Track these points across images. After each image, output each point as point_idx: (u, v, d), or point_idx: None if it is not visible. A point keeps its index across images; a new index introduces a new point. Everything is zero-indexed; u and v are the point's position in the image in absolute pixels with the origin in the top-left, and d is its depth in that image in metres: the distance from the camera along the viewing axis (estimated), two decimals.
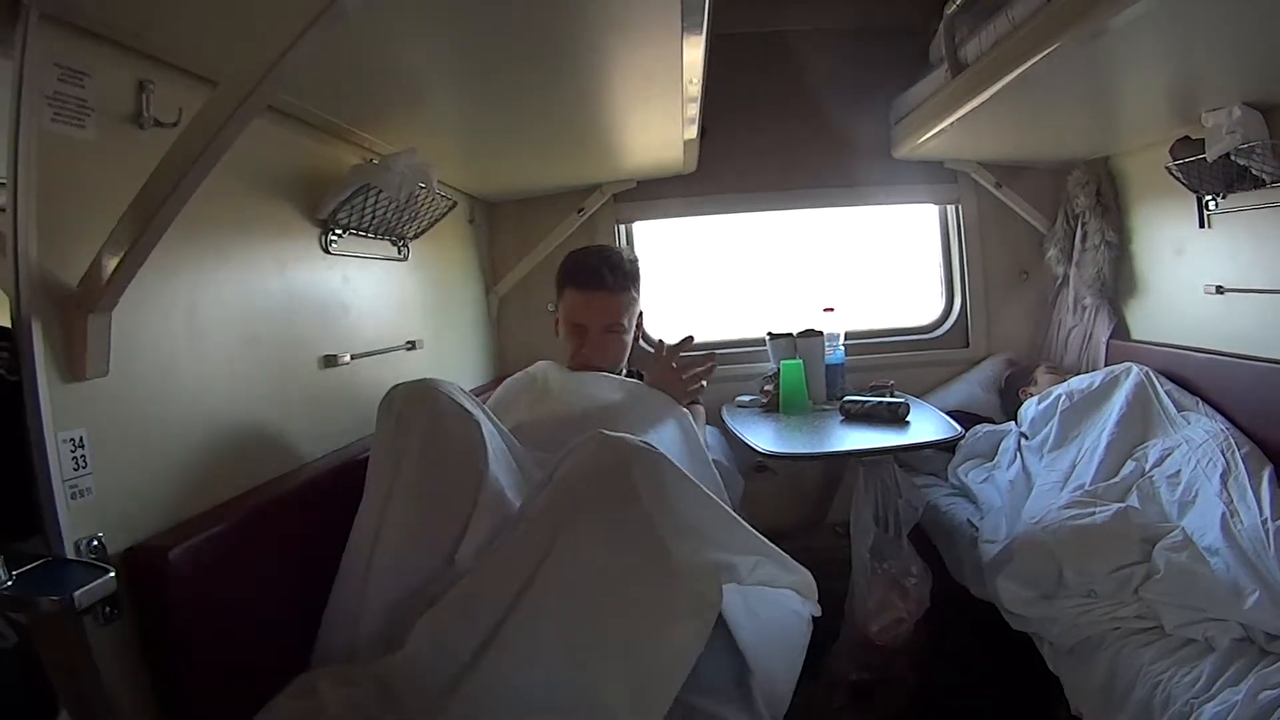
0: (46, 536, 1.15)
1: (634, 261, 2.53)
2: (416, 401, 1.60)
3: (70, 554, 1.15)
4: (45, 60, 1.16)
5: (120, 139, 1.34)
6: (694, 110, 2.33)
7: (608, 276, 2.41)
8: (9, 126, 1.14)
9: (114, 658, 1.21)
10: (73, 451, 1.17)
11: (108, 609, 1.18)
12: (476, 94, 2.05)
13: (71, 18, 1.20)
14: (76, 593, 1.01)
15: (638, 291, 2.52)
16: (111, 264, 1.19)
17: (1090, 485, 2.54)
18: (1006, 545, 2.40)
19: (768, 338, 3.40)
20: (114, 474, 1.25)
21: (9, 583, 1.01)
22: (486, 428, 1.65)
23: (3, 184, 1.20)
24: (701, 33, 1.69)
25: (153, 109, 1.39)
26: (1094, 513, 2.33)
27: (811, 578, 1.78)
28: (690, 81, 2.03)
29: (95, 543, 1.20)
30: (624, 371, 2.57)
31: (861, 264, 3.98)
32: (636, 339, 2.59)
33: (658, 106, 2.29)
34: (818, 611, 1.75)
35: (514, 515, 1.52)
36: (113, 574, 1.06)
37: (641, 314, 2.59)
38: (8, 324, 1.19)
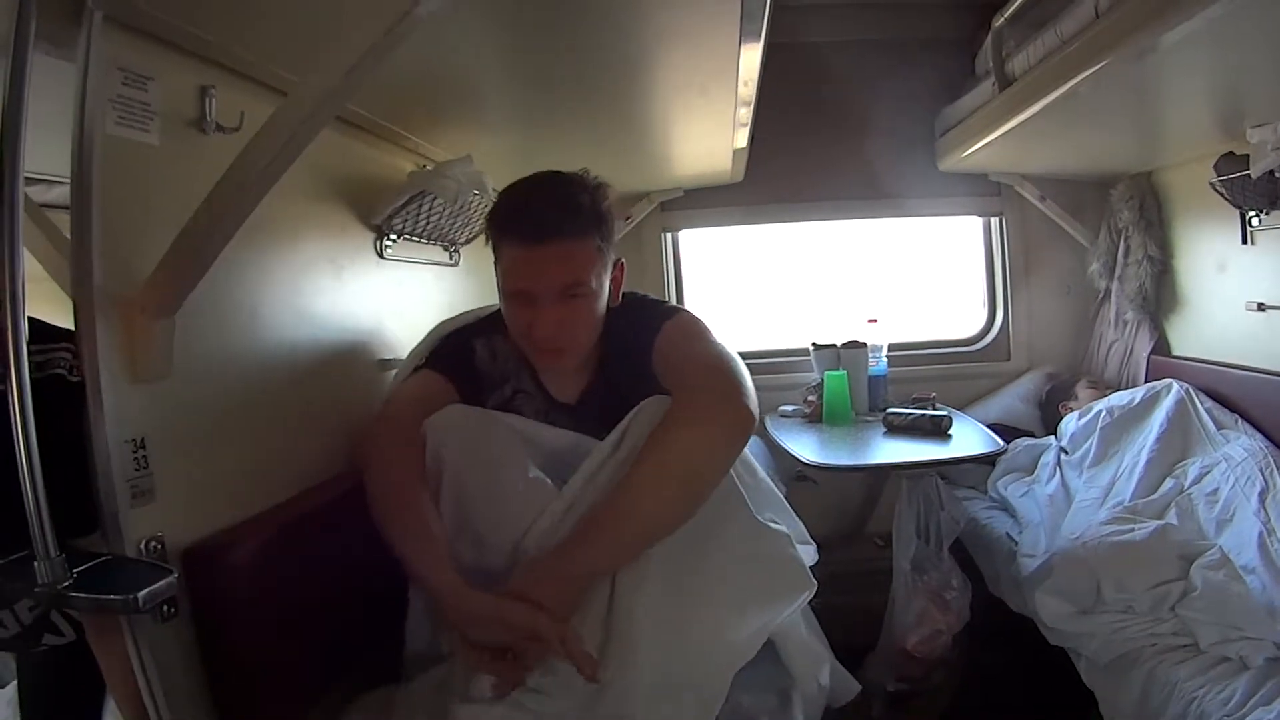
0: (106, 535, 1.14)
1: (598, 189, 1.62)
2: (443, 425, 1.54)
3: (131, 553, 1.15)
4: (109, 64, 1.16)
5: (183, 143, 1.34)
6: (746, 119, 2.31)
7: (558, 218, 1.53)
8: (73, 129, 1.14)
9: (171, 656, 1.20)
10: (134, 452, 1.17)
11: (166, 608, 1.18)
12: (530, 102, 2.04)
13: (135, 22, 1.20)
14: (141, 593, 0.99)
15: (608, 236, 1.61)
16: (176, 268, 1.19)
17: (1129, 502, 2.53)
18: (1046, 560, 2.39)
19: (812, 348, 3.37)
20: (173, 474, 1.24)
21: (70, 580, 1.00)
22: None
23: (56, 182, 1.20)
24: (759, 40, 1.69)
25: (215, 114, 1.38)
26: (1133, 529, 2.32)
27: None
28: (745, 90, 2.01)
29: (155, 543, 1.19)
30: (602, 345, 1.71)
31: (905, 275, 3.93)
32: (615, 299, 1.69)
33: (710, 115, 2.27)
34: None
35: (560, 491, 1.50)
36: (175, 575, 1.05)
37: (621, 266, 1.71)
38: (67, 325, 1.19)
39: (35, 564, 0.97)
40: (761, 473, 1.65)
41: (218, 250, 1.21)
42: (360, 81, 1.13)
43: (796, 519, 1.67)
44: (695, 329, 1.65)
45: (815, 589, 1.49)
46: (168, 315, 1.22)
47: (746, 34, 1.61)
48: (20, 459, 0.95)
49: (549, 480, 1.53)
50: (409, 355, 1.86)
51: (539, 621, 1.26)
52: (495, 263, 1.63)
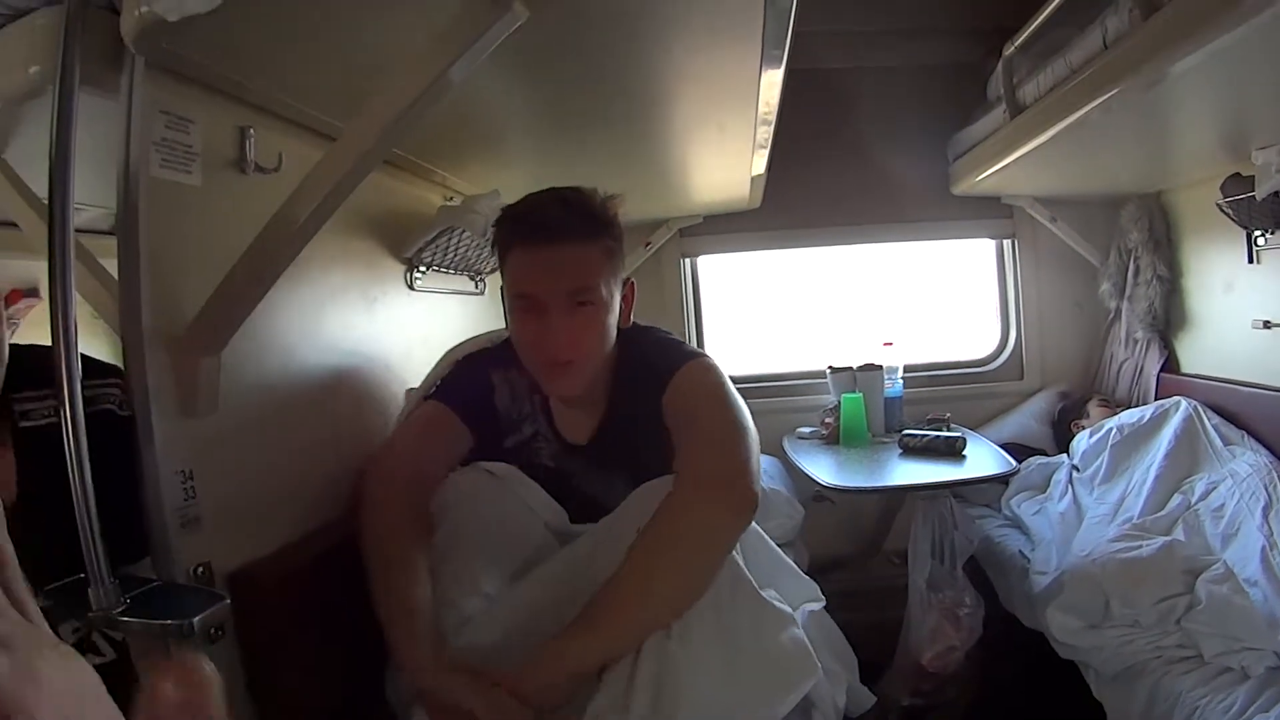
0: (156, 561, 1.18)
1: (607, 199, 1.59)
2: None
3: (181, 579, 1.19)
4: (152, 107, 1.19)
5: (224, 183, 1.38)
6: (766, 140, 2.31)
7: (567, 218, 1.51)
8: (118, 172, 1.17)
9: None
10: (183, 483, 1.21)
11: (215, 630, 1.21)
12: (554, 139, 2.08)
13: (175, 66, 1.23)
14: (196, 618, 1.03)
15: (618, 245, 1.59)
16: (222, 308, 1.23)
17: (1138, 518, 2.53)
18: (1057, 577, 2.40)
19: (828, 371, 3.38)
20: (219, 503, 1.28)
21: (124, 605, 1.03)
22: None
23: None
24: (780, 66, 1.69)
25: (254, 154, 1.42)
26: (1140, 546, 2.32)
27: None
28: (764, 119, 2.03)
29: (202, 569, 1.24)
30: (613, 382, 1.66)
31: (920, 297, 3.94)
32: (625, 320, 1.65)
33: (729, 146, 2.28)
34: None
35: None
36: (228, 600, 1.09)
37: (632, 286, 1.66)
38: (114, 361, 1.23)
39: (89, 590, 1.01)
40: (761, 535, 1.58)
41: (263, 291, 1.25)
42: (399, 135, 1.18)
43: (799, 573, 1.64)
44: (709, 380, 1.58)
45: (819, 675, 1.39)
46: (214, 352, 1.26)
47: (768, 59, 1.62)
48: (74, 490, 0.99)
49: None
50: (423, 380, 1.83)
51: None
52: (502, 272, 1.59)
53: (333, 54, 1.34)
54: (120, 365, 1.21)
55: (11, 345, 1.22)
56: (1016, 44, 2.65)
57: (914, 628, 2.52)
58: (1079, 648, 2.22)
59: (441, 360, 1.82)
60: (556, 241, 1.49)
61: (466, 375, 1.71)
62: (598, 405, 1.67)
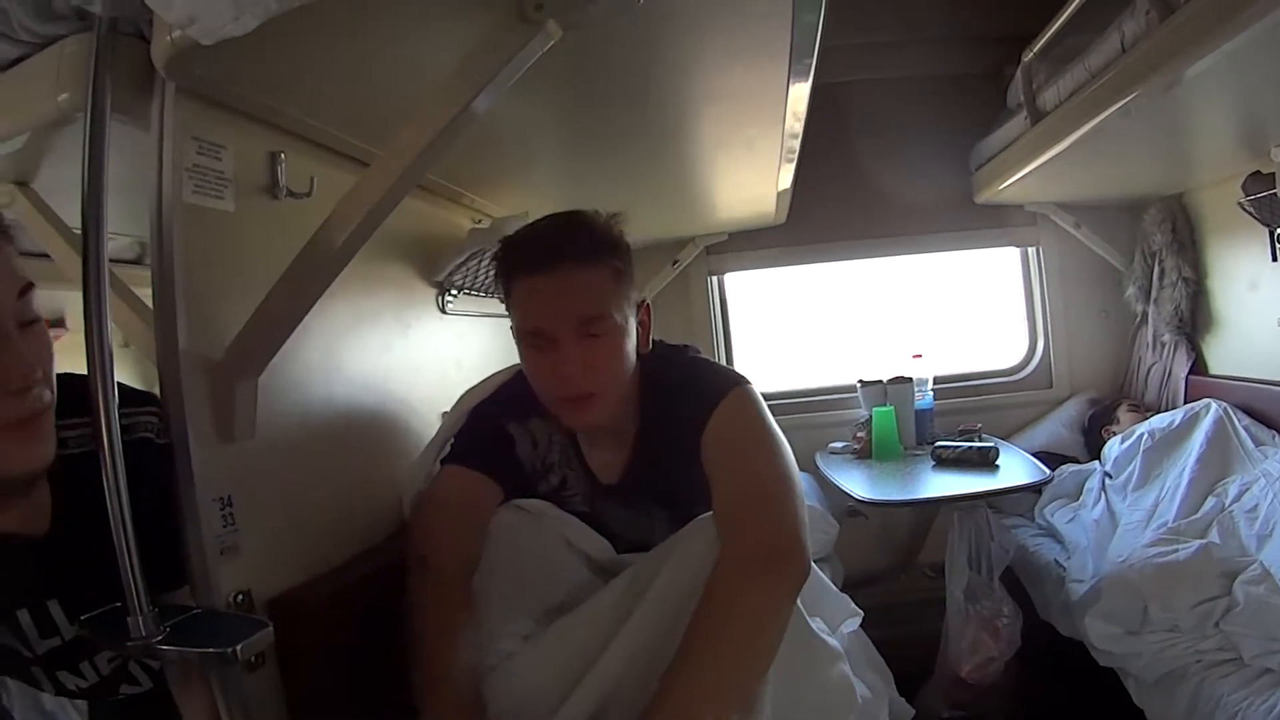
0: (195, 589, 1.15)
1: (610, 217, 1.48)
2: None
3: (220, 606, 1.16)
4: (183, 133, 1.17)
5: (257, 209, 1.36)
6: (791, 162, 2.31)
7: (568, 242, 1.39)
8: (151, 200, 1.16)
9: (259, 705, 1.21)
10: (221, 510, 1.19)
11: (256, 658, 1.19)
12: (582, 160, 2.07)
13: (206, 92, 1.21)
14: (239, 645, 0.99)
15: (627, 267, 1.46)
16: (259, 334, 1.21)
17: (1173, 522, 2.51)
18: (1094, 584, 2.38)
19: (859, 385, 3.38)
20: (257, 529, 1.26)
21: (163, 634, 1.01)
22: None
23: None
24: (808, 79, 1.66)
25: (286, 179, 1.40)
26: (1177, 550, 2.32)
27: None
28: (791, 134, 2.00)
29: (242, 596, 1.22)
30: (641, 412, 1.55)
31: (946, 308, 3.91)
32: (644, 345, 1.54)
33: (757, 161, 2.26)
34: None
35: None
36: (270, 627, 1.05)
37: (647, 308, 1.56)
38: (143, 387, 1.22)
39: (128, 619, 0.99)
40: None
41: (300, 316, 1.23)
42: (433, 158, 1.16)
43: (836, 592, 1.59)
44: (750, 414, 1.45)
45: (858, 709, 1.35)
46: (251, 377, 1.24)
47: (796, 73, 1.59)
48: (113, 517, 0.97)
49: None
50: (440, 429, 1.69)
51: None
52: (508, 308, 1.47)
53: (363, 78, 1.32)
54: (155, 393, 1.19)
55: None
56: (1035, 50, 2.62)
57: (952, 640, 2.49)
58: (1118, 654, 2.22)
59: (453, 409, 1.70)
60: (560, 268, 1.37)
61: (483, 429, 1.60)
62: (627, 438, 1.57)
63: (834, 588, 1.57)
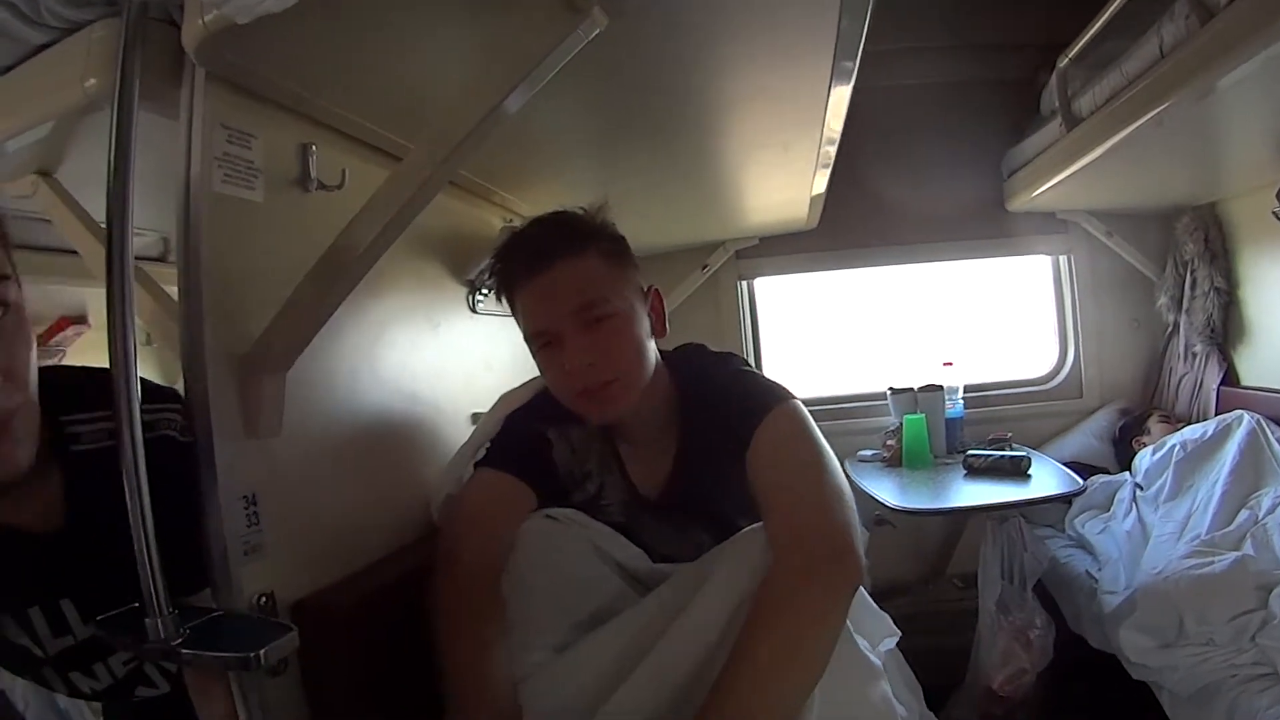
0: (217, 591, 1.10)
1: (597, 210, 1.46)
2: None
3: (243, 609, 1.11)
4: (213, 121, 1.13)
5: (287, 201, 1.31)
6: (827, 167, 2.26)
7: (557, 237, 1.39)
8: (179, 188, 1.11)
9: (281, 712, 1.16)
10: (245, 509, 1.13)
11: (278, 663, 1.13)
12: (614, 160, 2.01)
13: (236, 79, 1.17)
14: (263, 650, 0.94)
15: (617, 249, 1.44)
16: (289, 327, 1.16)
17: (1206, 535, 2.45)
18: (1129, 596, 2.33)
19: (889, 392, 3.33)
20: (282, 530, 1.20)
21: (182, 638, 0.95)
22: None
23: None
24: (849, 82, 1.63)
25: (317, 171, 1.35)
26: (1212, 562, 2.25)
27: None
28: (829, 138, 1.97)
29: (265, 599, 1.15)
30: (682, 422, 1.51)
31: (977, 315, 3.87)
32: (659, 332, 1.49)
33: (793, 164, 2.22)
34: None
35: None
36: (295, 631, 0.99)
37: (657, 293, 1.51)
38: (165, 383, 1.18)
39: (146, 620, 0.94)
40: None
41: (330, 310, 1.18)
42: (472, 149, 1.12)
43: (875, 608, 1.47)
44: (798, 429, 1.39)
45: None
46: (279, 371, 1.19)
47: (838, 75, 1.56)
48: (133, 516, 0.92)
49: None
50: (474, 432, 1.66)
51: None
52: (517, 321, 1.45)
53: (400, 68, 1.28)
54: (178, 390, 1.14)
55: (60, 367, 1.16)
56: (1070, 55, 2.59)
57: (984, 651, 2.45)
58: (1152, 668, 2.16)
59: (491, 412, 1.68)
60: (551, 265, 1.36)
61: (519, 433, 1.56)
62: (667, 449, 1.51)
63: (874, 605, 1.50)
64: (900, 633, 1.51)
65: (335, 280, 1.17)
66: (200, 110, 1.10)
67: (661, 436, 1.50)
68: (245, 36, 0.91)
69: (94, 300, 2.24)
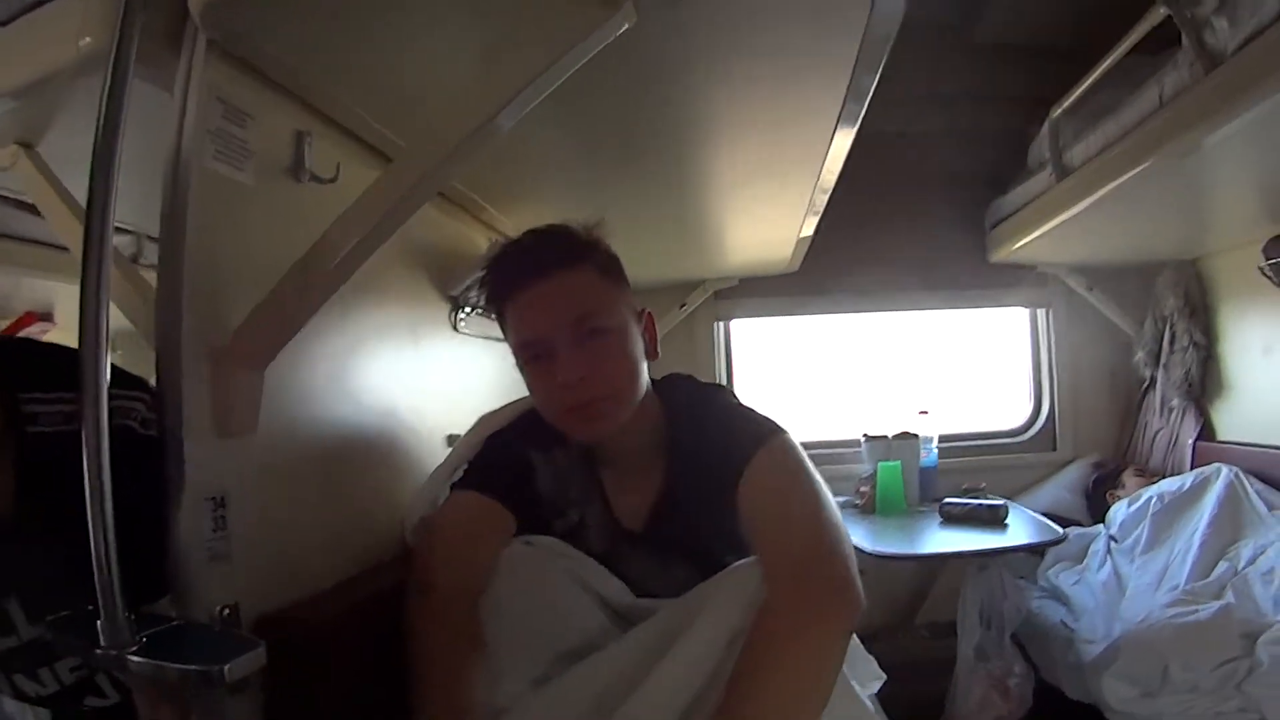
0: (176, 599, 1.00)
1: (590, 228, 1.38)
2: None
3: (202, 619, 1.00)
4: (210, 94, 1.05)
5: (278, 188, 1.22)
6: (821, 206, 2.23)
7: (551, 248, 1.33)
8: (168, 159, 1.03)
9: None
10: (214, 511, 1.03)
11: (239, 680, 1.02)
12: (603, 180, 1.93)
13: (237, 51, 1.09)
14: (228, 665, 0.84)
15: (614, 267, 1.38)
16: (271, 319, 1.08)
17: (1185, 585, 2.48)
18: (1112, 644, 2.31)
19: (863, 439, 3.29)
20: (250, 538, 1.10)
21: (137, 646, 0.84)
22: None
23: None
24: (855, 125, 1.60)
25: (311, 162, 1.27)
26: (1197, 610, 2.28)
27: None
28: (827, 176, 1.94)
29: (228, 611, 1.05)
30: (670, 452, 1.43)
31: (952, 364, 3.86)
32: (652, 354, 1.42)
33: (784, 201, 2.18)
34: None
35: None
36: (263, 647, 0.89)
37: (650, 316, 1.44)
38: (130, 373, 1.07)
39: (99, 624, 0.83)
40: None
41: (315, 307, 1.10)
42: (473, 152, 1.07)
43: (861, 648, 1.42)
44: (791, 464, 1.32)
45: None
46: (258, 367, 1.10)
47: (845, 117, 1.53)
48: (91, 509, 0.81)
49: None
50: (451, 452, 1.58)
51: None
52: (505, 333, 1.37)
53: (405, 58, 1.21)
54: (145, 380, 1.05)
55: (21, 339, 1.06)
56: (1064, 106, 2.61)
57: (960, 698, 2.43)
58: (1136, 716, 2.16)
59: (469, 433, 1.58)
60: (545, 275, 1.29)
61: (500, 455, 1.47)
62: (653, 479, 1.43)
63: (861, 647, 1.43)
64: (885, 675, 1.45)
65: (323, 275, 1.08)
66: (197, 80, 1.03)
67: (647, 466, 1.42)
68: (253, 5, 0.87)
69: (62, 298, 2.16)
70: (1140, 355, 3.38)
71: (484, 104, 1.03)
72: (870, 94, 1.45)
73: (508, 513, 1.38)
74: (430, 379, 1.81)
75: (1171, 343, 3.22)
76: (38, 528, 0.93)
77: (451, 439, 1.77)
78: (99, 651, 0.84)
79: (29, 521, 0.94)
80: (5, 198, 1.73)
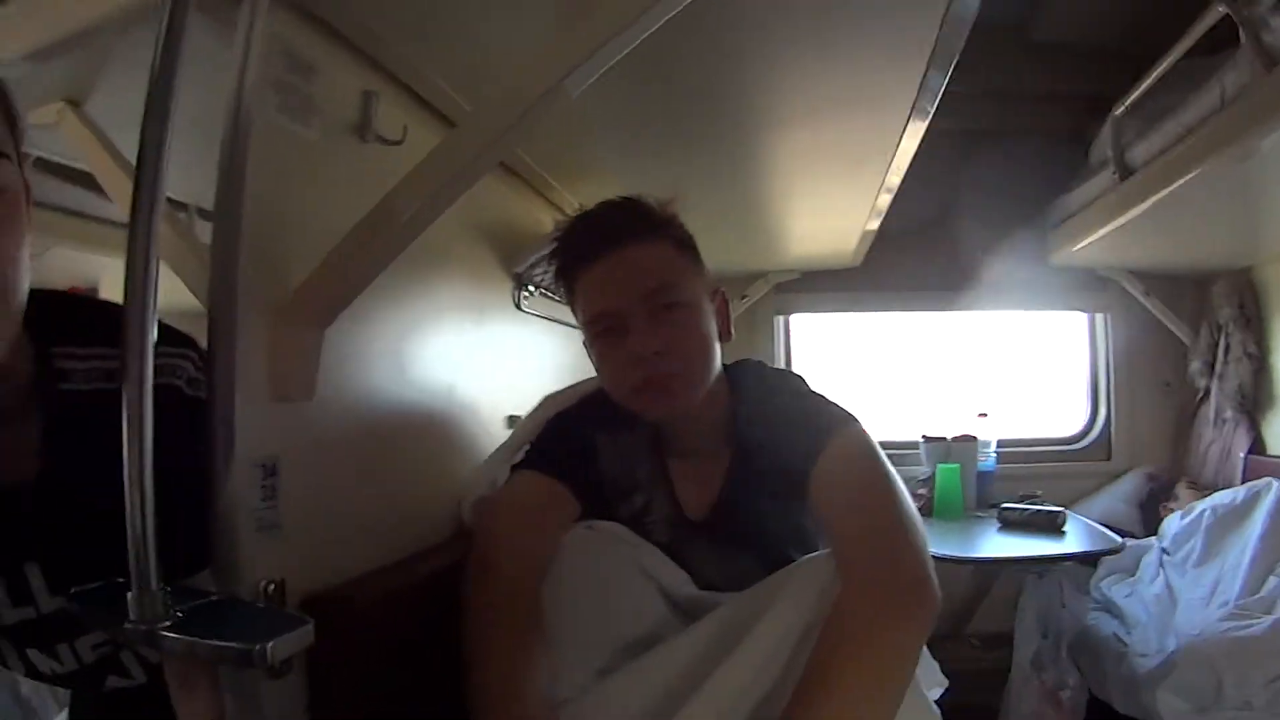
0: (217, 572, 0.92)
1: (669, 203, 1.34)
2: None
3: (247, 595, 0.92)
4: (273, 45, 0.98)
5: (343, 147, 1.16)
6: (887, 198, 2.18)
7: (625, 220, 1.28)
8: (228, 109, 0.95)
9: (279, 713, 0.96)
10: (263, 479, 0.95)
11: (282, 662, 0.92)
12: (674, 157, 1.86)
13: (305, 3, 1.04)
14: (270, 644, 0.75)
15: (690, 245, 1.33)
16: (334, 278, 1.00)
17: (1236, 599, 2.39)
18: (1167, 657, 2.24)
19: (922, 440, 3.23)
20: (300, 510, 1.02)
21: (172, 621, 0.76)
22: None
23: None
24: (927, 117, 1.57)
25: (378, 123, 1.21)
26: (1252, 624, 2.20)
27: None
28: (896, 168, 1.92)
29: (273, 587, 0.95)
30: (737, 438, 1.35)
31: (1010, 367, 3.80)
32: (725, 334, 1.35)
33: (851, 192, 2.14)
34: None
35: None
36: (311, 626, 0.80)
37: (723, 294, 1.38)
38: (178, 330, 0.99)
39: (129, 596, 0.74)
40: None
41: (379, 268, 1.02)
42: (529, 126, 0.99)
43: (930, 659, 1.34)
44: (867, 454, 1.27)
45: None
46: (319, 328, 1.02)
47: (917, 110, 1.49)
48: (129, 474, 0.72)
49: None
50: (514, 432, 1.53)
51: None
52: (574, 310, 1.33)
53: (476, 19, 1.16)
54: (194, 338, 0.98)
55: (58, 292, 0.98)
56: (1127, 104, 2.53)
57: (1013, 710, 2.38)
58: None
59: (532, 413, 1.52)
60: (620, 247, 1.24)
61: (564, 436, 1.41)
62: (720, 465, 1.36)
63: (927, 650, 1.34)
64: (948, 681, 1.37)
65: (386, 238, 1.01)
66: (259, 29, 0.95)
67: (714, 453, 1.36)
68: None
69: (108, 271, 2.11)
70: (1196, 365, 3.30)
71: (554, 67, 0.95)
72: (943, 88, 1.41)
73: (571, 495, 1.32)
74: (492, 357, 1.75)
75: (1226, 353, 3.15)
76: (65, 491, 0.85)
77: (512, 420, 1.73)
78: (128, 625, 0.75)
79: (55, 484, 0.86)
80: (50, 166, 1.63)
